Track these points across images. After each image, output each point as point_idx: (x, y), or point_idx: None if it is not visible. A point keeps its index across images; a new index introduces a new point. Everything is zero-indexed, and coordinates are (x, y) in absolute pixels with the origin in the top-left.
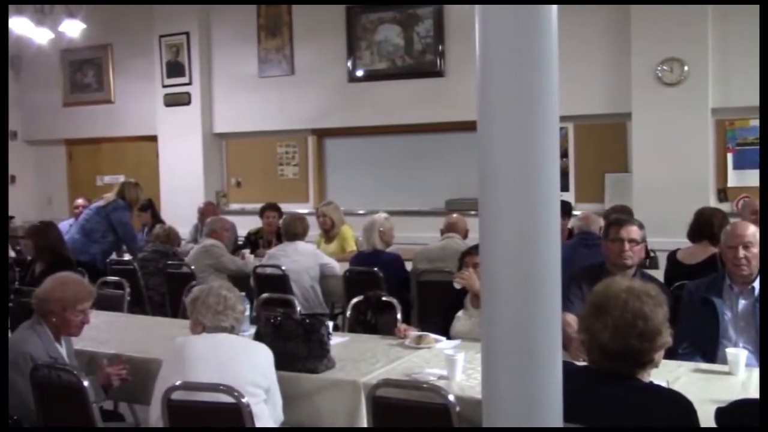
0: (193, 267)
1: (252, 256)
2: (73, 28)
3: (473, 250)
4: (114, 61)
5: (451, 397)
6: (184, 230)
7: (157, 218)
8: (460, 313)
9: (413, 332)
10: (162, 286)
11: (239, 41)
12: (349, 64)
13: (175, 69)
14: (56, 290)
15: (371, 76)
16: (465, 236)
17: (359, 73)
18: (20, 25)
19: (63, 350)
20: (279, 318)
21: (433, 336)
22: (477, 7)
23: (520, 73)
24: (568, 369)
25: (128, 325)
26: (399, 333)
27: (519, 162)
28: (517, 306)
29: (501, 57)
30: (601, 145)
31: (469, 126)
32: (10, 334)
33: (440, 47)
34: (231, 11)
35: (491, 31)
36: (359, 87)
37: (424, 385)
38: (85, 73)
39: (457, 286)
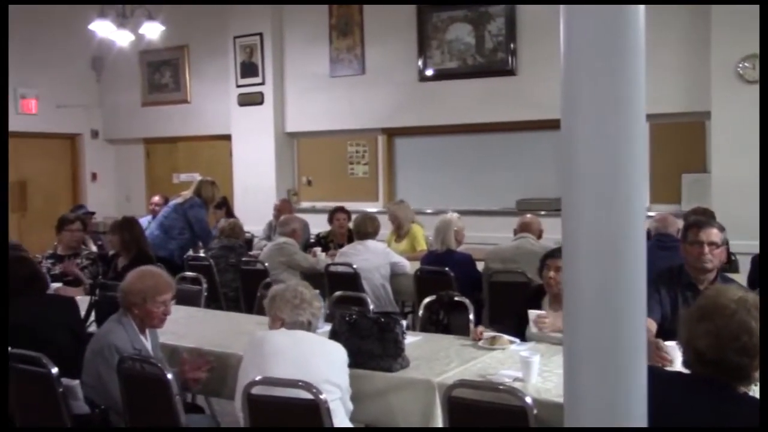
0: (266, 264)
1: (323, 254)
2: (152, 30)
3: (556, 253)
4: (190, 62)
5: (528, 400)
6: (257, 228)
7: (230, 215)
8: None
9: (488, 333)
10: (234, 281)
11: (311, 41)
12: (420, 63)
13: (248, 69)
14: (136, 283)
15: (442, 75)
16: (539, 237)
17: (430, 72)
18: (103, 27)
19: (148, 343)
20: (354, 316)
21: (507, 337)
22: (562, 7)
23: (606, 73)
24: (657, 373)
25: (206, 320)
26: (475, 336)
27: (605, 163)
28: (602, 309)
29: (586, 57)
30: (678, 144)
31: (541, 125)
32: (95, 328)
33: (512, 45)
34: (303, 12)
35: (576, 31)
36: (430, 86)
37: (501, 387)
38: (162, 74)
39: (534, 329)
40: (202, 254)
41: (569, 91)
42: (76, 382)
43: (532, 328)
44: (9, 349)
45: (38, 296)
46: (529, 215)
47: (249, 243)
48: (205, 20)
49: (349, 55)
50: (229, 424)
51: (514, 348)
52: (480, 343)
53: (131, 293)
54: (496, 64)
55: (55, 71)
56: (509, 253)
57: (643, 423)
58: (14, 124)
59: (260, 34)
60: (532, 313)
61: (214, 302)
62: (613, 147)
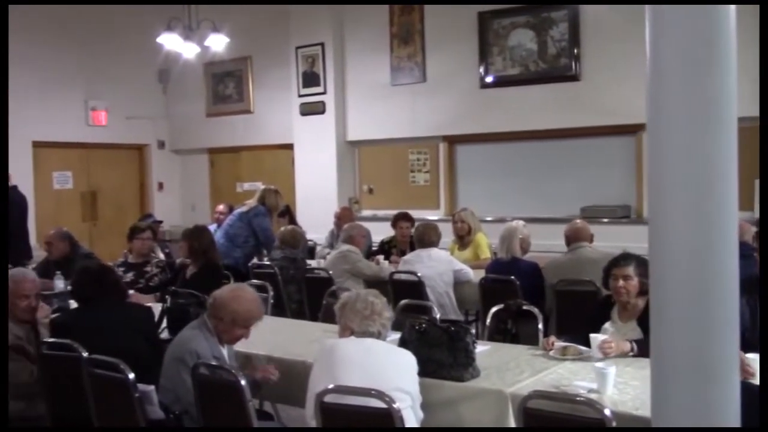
0: (330, 272)
1: (386, 262)
2: (217, 42)
3: (621, 261)
4: (253, 73)
5: (607, 412)
6: (319, 236)
7: (294, 223)
8: (606, 325)
9: (559, 343)
10: (296, 293)
11: (372, 50)
12: (481, 70)
13: (310, 79)
14: (233, 302)
15: (503, 82)
16: (591, 241)
17: (491, 79)
18: (170, 40)
19: (225, 351)
20: (424, 325)
21: (578, 347)
22: (647, 8)
23: (695, 76)
24: (746, 387)
25: (273, 327)
26: (546, 346)
27: (695, 170)
28: (693, 320)
29: (675, 60)
30: (749, 149)
31: (606, 131)
32: (166, 335)
33: (575, 51)
34: (364, 21)
35: (664, 33)
36: (491, 93)
37: (578, 399)
38: (226, 85)
39: (598, 355)
40: (266, 262)
41: (656, 96)
42: (152, 387)
43: (596, 354)
44: (88, 354)
45: (118, 303)
46: (579, 221)
47: (311, 251)
48: (267, 31)
49: (410, 63)
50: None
51: (586, 358)
52: (551, 353)
53: (223, 309)
54: (559, 70)
55: (123, 84)
56: (569, 265)
57: None
58: (85, 135)
59: (322, 44)
60: (595, 338)
61: (278, 309)
62: (703, 153)
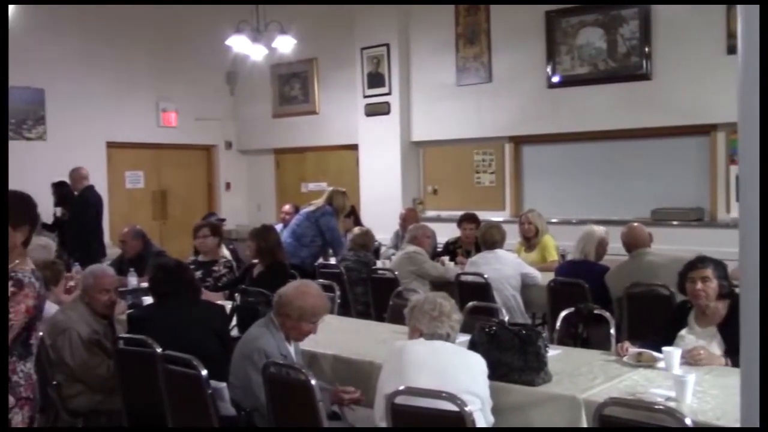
0: (396, 273)
1: (452, 263)
2: (284, 43)
3: (698, 263)
4: (319, 74)
5: (688, 421)
6: (383, 237)
7: (358, 224)
8: (683, 332)
9: (633, 349)
10: (364, 295)
11: (437, 50)
12: (548, 69)
13: (375, 80)
14: (298, 299)
15: (571, 81)
16: (650, 243)
17: (559, 78)
18: (238, 43)
19: (292, 348)
20: (494, 327)
21: (653, 353)
22: (739, 8)
23: None
24: None
25: (340, 327)
26: (620, 352)
27: None
28: None
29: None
30: None
31: (678, 131)
32: (236, 332)
33: (647, 49)
34: (429, 21)
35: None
36: (558, 93)
37: (657, 407)
38: (292, 86)
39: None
40: (332, 261)
41: (747, 94)
42: (224, 384)
43: (672, 369)
44: (162, 350)
45: (192, 301)
46: (635, 224)
47: (376, 252)
48: (333, 33)
49: (475, 63)
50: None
51: (660, 365)
52: (625, 359)
53: (289, 305)
54: (629, 69)
55: (193, 86)
56: (632, 274)
57: None
58: (156, 136)
59: (387, 45)
60: (670, 352)
61: (344, 309)
62: None
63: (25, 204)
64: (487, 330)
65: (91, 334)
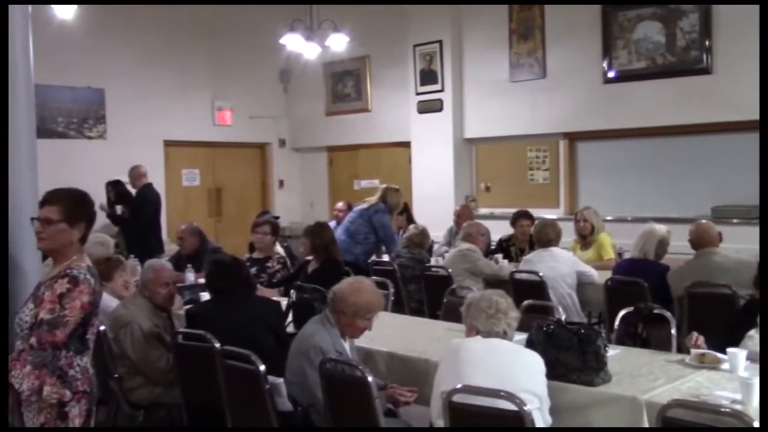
0: (449, 270)
1: (506, 261)
2: (338, 41)
3: None
4: (371, 72)
5: (756, 425)
6: (435, 234)
7: (411, 221)
8: (752, 332)
9: (695, 350)
10: (417, 292)
11: (490, 47)
12: (604, 64)
13: (428, 77)
14: (353, 295)
15: (628, 77)
16: (719, 243)
17: (615, 73)
18: (292, 41)
19: (347, 345)
20: (552, 326)
21: (717, 354)
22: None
23: None
24: None
25: (394, 324)
26: (692, 344)
27: None
28: None
29: None
30: None
31: (739, 126)
32: (291, 328)
33: (707, 43)
34: (483, 17)
35: None
36: (615, 88)
37: (723, 410)
38: (345, 84)
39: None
40: (385, 259)
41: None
42: (281, 380)
43: (738, 371)
44: (221, 345)
45: (248, 297)
46: (703, 222)
47: (428, 249)
48: (385, 30)
49: (529, 59)
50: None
51: (725, 367)
52: (687, 360)
53: (344, 302)
54: (688, 63)
55: (247, 85)
56: (698, 274)
57: None
58: (211, 134)
59: (439, 42)
60: (735, 354)
61: (397, 307)
62: None
63: (82, 202)
64: (544, 328)
65: (152, 327)
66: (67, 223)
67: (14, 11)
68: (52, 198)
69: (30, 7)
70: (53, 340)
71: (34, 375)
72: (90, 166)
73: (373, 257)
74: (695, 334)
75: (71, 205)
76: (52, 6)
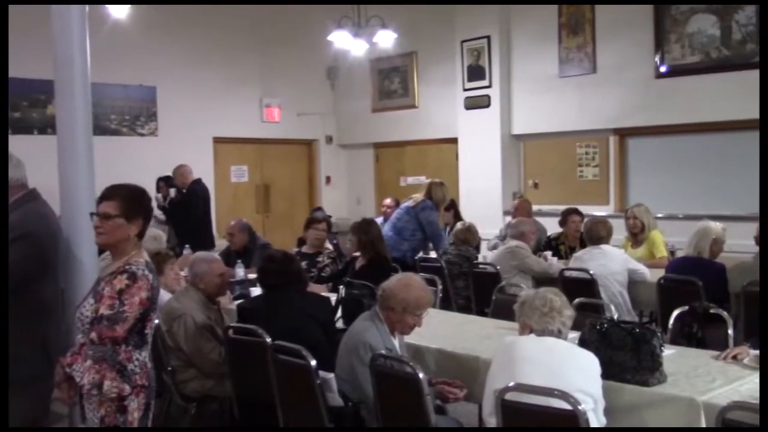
0: (498, 267)
1: (555, 258)
2: (385, 38)
3: None
4: (418, 68)
5: None
6: (483, 231)
7: (458, 218)
8: None
9: (753, 352)
10: (465, 289)
11: (539, 42)
12: (657, 58)
13: (475, 73)
14: (402, 291)
15: (681, 71)
16: None
17: (667, 68)
18: (340, 38)
19: (396, 342)
20: (605, 325)
21: None
22: None
23: None
24: None
25: (443, 321)
26: (730, 358)
27: None
28: None
29: None
30: None
31: None
32: (341, 324)
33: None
34: (532, 13)
35: None
36: (667, 83)
37: None
38: (392, 81)
39: None
40: (433, 255)
41: None
42: (331, 375)
43: None
44: (273, 340)
45: (300, 292)
46: None
47: (476, 246)
48: (433, 26)
49: (579, 54)
50: (469, 425)
51: None
52: (746, 361)
53: (393, 298)
54: (744, 57)
55: (295, 82)
56: (756, 272)
57: None
58: (260, 131)
59: (488, 37)
60: None
61: (445, 303)
62: None
63: (140, 197)
64: (597, 327)
65: (205, 320)
66: (125, 219)
67: (72, 11)
68: (110, 193)
69: (87, 6)
70: (113, 335)
71: (95, 369)
72: (142, 163)
73: (420, 254)
74: (732, 350)
75: (129, 200)
76: (107, 5)
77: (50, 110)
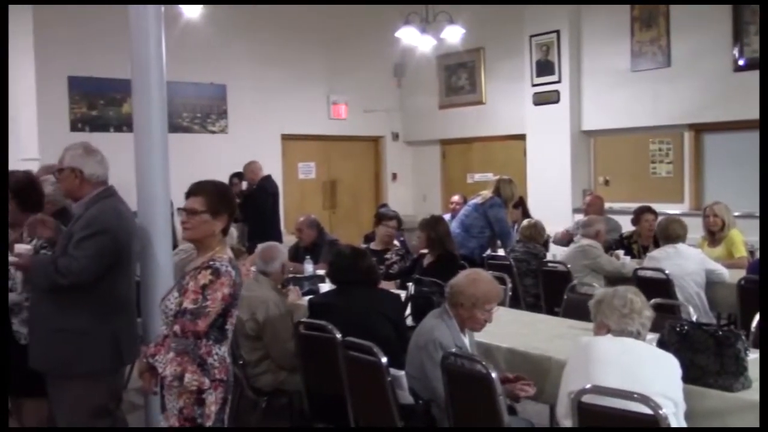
0: (569, 266)
1: (627, 257)
2: (453, 33)
3: None
4: (486, 64)
5: None
6: (550, 229)
7: (527, 215)
8: None
9: None
10: (533, 287)
11: (611, 36)
12: (735, 51)
13: (544, 68)
14: (470, 286)
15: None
16: None
17: (746, 61)
18: (407, 34)
19: (466, 340)
20: (685, 326)
21: None
22: None
23: None
24: None
25: (514, 320)
26: None
27: None
28: None
29: None
30: None
31: None
32: (410, 321)
33: None
34: (603, 6)
35: None
36: (746, 76)
37: None
38: (459, 77)
39: None
40: (501, 253)
41: None
42: (402, 372)
43: None
44: (343, 336)
45: (370, 289)
46: None
47: (545, 243)
48: (501, 21)
49: (652, 48)
50: (539, 426)
51: None
52: None
53: (462, 294)
54: None
55: (361, 79)
56: None
57: None
58: (326, 128)
59: (557, 32)
60: None
61: (514, 301)
62: None
63: (225, 194)
64: (677, 329)
65: (285, 307)
66: (211, 215)
67: (148, 11)
68: (197, 189)
69: (163, 7)
70: (195, 329)
71: (177, 362)
72: (213, 160)
73: (488, 251)
74: None
75: (215, 196)
76: (180, 5)
77: (125, 108)
